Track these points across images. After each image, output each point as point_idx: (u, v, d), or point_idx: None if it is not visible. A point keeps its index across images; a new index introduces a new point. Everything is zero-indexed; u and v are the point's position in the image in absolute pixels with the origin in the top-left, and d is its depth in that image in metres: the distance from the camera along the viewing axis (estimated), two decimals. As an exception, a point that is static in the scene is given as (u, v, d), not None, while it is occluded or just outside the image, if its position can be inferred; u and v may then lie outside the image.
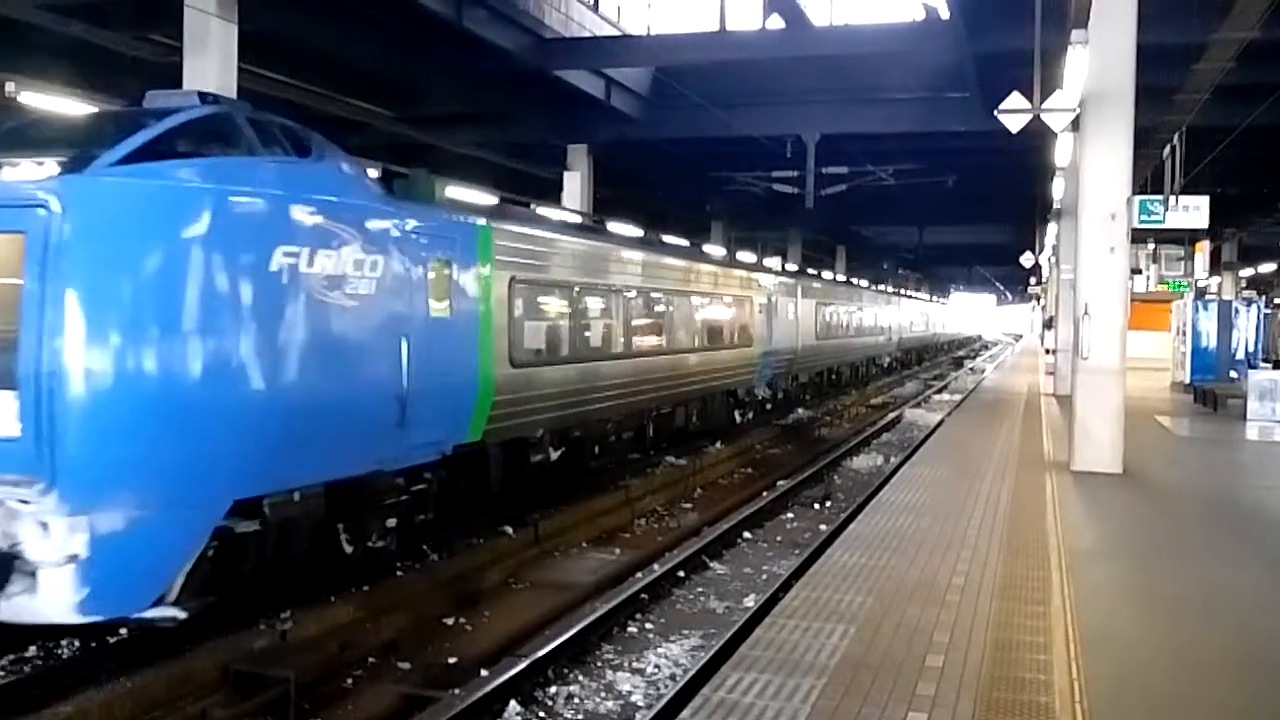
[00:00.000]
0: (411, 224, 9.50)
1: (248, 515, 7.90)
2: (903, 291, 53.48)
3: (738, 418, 21.93)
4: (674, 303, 17.35)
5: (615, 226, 18.00)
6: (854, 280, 44.31)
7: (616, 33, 21.76)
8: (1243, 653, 6.34)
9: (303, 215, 8.10)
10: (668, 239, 21.35)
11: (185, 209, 7.30)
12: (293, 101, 19.44)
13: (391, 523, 9.67)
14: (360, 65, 18.13)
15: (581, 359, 13.58)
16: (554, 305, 13.20)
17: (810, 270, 35.54)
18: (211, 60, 13.23)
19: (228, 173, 7.64)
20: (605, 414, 14.48)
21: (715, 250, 23.01)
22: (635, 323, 15.64)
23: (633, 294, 15.47)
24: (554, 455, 13.04)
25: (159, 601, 7.16)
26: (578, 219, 16.24)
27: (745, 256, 24.39)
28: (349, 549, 9.32)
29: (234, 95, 13.50)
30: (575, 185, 24.74)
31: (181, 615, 7.26)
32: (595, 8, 21.29)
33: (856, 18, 21.66)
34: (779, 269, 27.12)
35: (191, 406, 7.22)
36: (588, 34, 20.21)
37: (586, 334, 13.99)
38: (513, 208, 14.17)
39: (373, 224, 8.95)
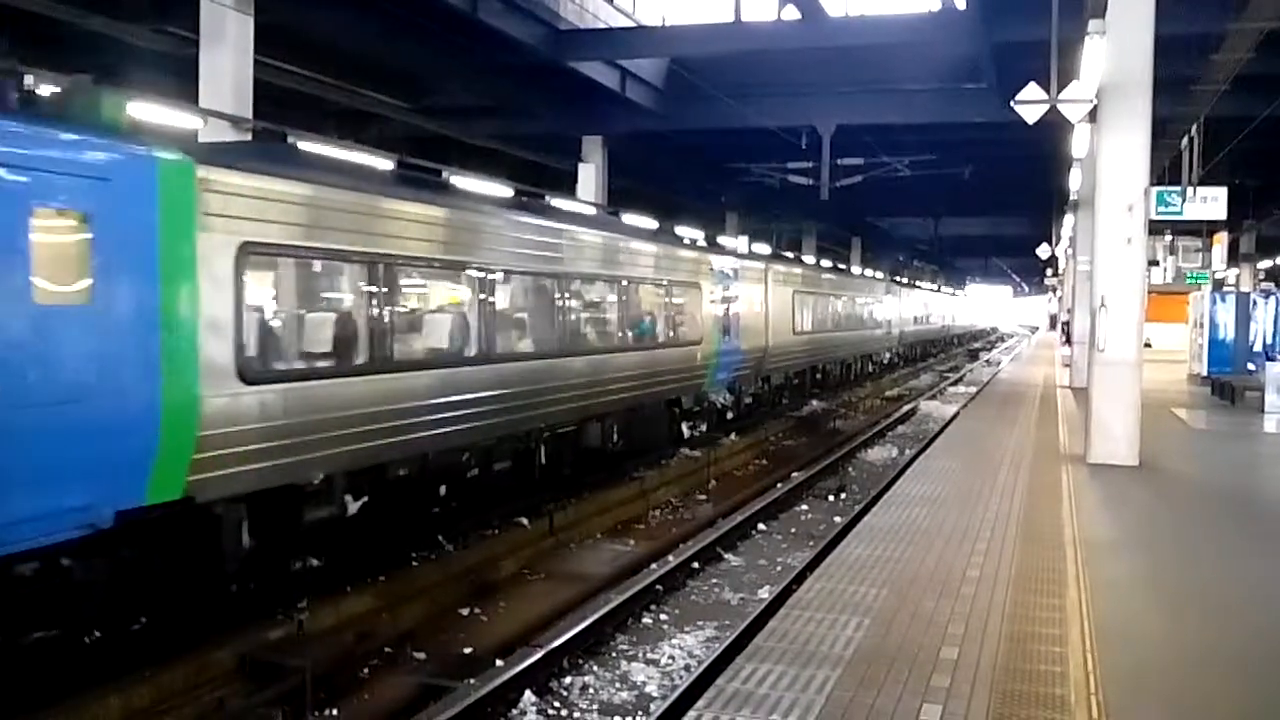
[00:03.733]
0: None
1: None
2: (904, 280, 50.59)
3: (685, 431, 17.89)
4: (572, 289, 13.39)
5: (485, 186, 13.18)
6: (843, 266, 41.23)
7: (631, 23, 21.72)
8: (1259, 645, 6.32)
9: None
10: (569, 205, 16.13)
11: None
12: (309, 93, 19.55)
13: None
14: (376, 57, 18.18)
15: (399, 366, 9.73)
16: (338, 289, 9.65)
17: (785, 254, 30.84)
18: (227, 52, 13.31)
19: None
20: (454, 441, 10.59)
21: (645, 223, 18.35)
22: (510, 315, 12.20)
23: (499, 275, 11.58)
24: (353, 506, 9.29)
25: None
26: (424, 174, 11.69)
27: (649, 225, 18.52)
28: None
29: (250, 87, 13.60)
30: (590, 177, 24.78)
31: None
32: (610, -1, 21.29)
33: (872, 8, 21.50)
34: (742, 250, 22.99)
35: None
36: (602, 25, 20.19)
37: (409, 330, 10.36)
38: (271, 146, 10.38)
39: None
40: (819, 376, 28.91)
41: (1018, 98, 13.54)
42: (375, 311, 9.39)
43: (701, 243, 19.97)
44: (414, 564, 10.34)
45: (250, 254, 7.96)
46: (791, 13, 19.47)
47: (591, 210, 16.63)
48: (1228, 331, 25.40)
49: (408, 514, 10.42)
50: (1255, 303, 26.06)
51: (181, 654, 7.49)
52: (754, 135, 24.77)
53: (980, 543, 8.49)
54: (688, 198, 35.02)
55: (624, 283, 14.98)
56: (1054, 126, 15.36)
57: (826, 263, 37.59)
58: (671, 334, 16.79)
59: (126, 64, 15.78)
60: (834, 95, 22.95)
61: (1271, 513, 10.64)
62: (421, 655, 8.49)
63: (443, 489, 10.79)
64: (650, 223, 18.33)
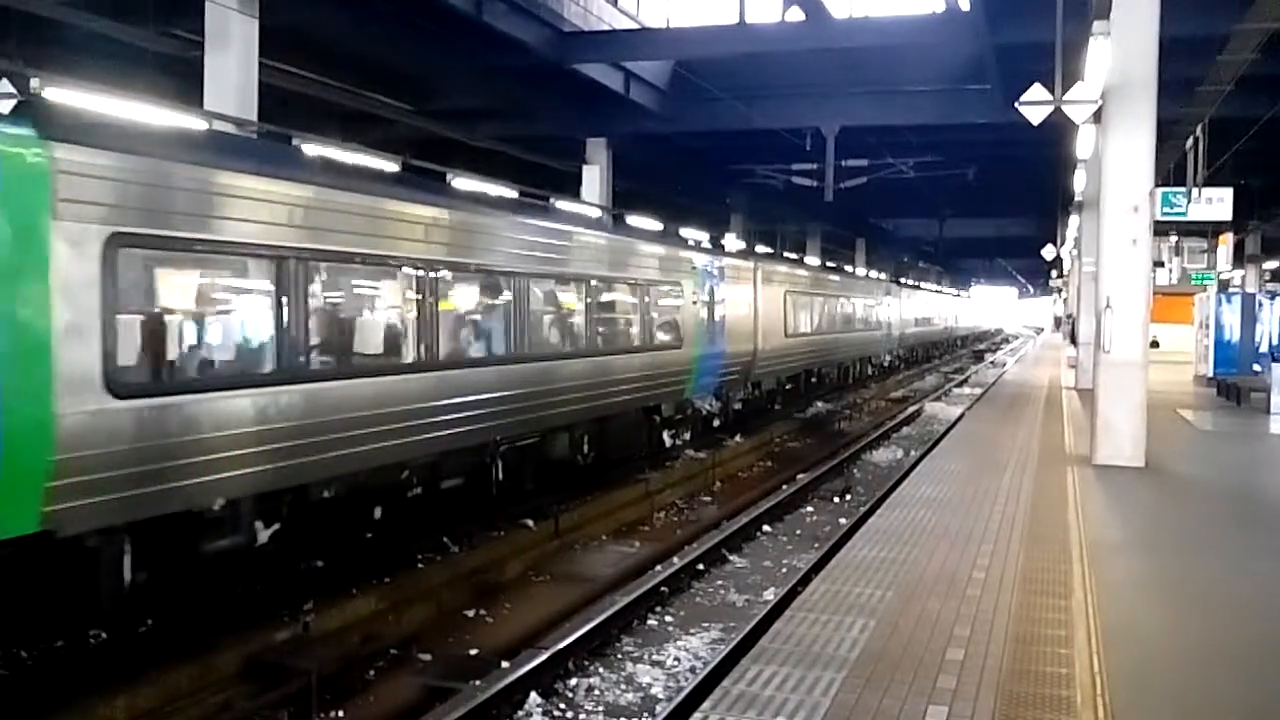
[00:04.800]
0: None
1: None
2: (906, 280, 49.81)
3: (667, 441, 16.90)
4: (528, 287, 12.13)
5: (484, 187, 12.05)
6: (840, 265, 40.12)
7: (635, 26, 21.74)
8: (1265, 647, 6.30)
9: None
10: (529, 197, 14.54)
11: None
12: (313, 96, 19.58)
13: None
14: (381, 60, 18.20)
15: (313, 375, 8.63)
16: (236, 287, 8.36)
17: (777, 252, 29.66)
18: (233, 55, 13.34)
19: None
20: (388, 457, 9.56)
21: (641, 223, 16.97)
22: (453, 317, 11.00)
23: (442, 273, 10.42)
24: (264, 534, 8.32)
25: None
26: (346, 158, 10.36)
27: (632, 223, 16.90)
28: None
29: (255, 90, 13.63)
30: (594, 179, 24.82)
31: None
32: (614, 1, 21.28)
33: (876, 9, 21.49)
34: (730, 248, 21.50)
35: None
36: (606, 27, 20.21)
37: (327, 334, 9.15)
38: (175, 128, 8.69)
39: None
40: (814, 381, 27.75)
41: (1022, 99, 13.53)
42: (282, 313, 8.28)
43: (688, 240, 19.19)
44: (419, 566, 10.35)
45: (123, 247, 6.82)
46: (795, 14, 19.49)
47: (574, 208, 15.93)
48: (1233, 333, 25.40)
49: (334, 538, 9.44)
50: (1261, 304, 26.06)
51: (187, 656, 7.50)
52: (758, 137, 24.77)
53: (986, 544, 8.48)
54: (692, 200, 35.03)
55: (592, 281, 13.82)
56: (1058, 128, 15.35)
57: (823, 262, 37.25)
58: (648, 337, 15.72)
59: (131, 67, 15.81)
60: (838, 97, 22.96)
61: (1277, 514, 10.62)
62: (427, 657, 8.49)
63: (378, 511, 9.75)
64: (650, 223, 18.22)
